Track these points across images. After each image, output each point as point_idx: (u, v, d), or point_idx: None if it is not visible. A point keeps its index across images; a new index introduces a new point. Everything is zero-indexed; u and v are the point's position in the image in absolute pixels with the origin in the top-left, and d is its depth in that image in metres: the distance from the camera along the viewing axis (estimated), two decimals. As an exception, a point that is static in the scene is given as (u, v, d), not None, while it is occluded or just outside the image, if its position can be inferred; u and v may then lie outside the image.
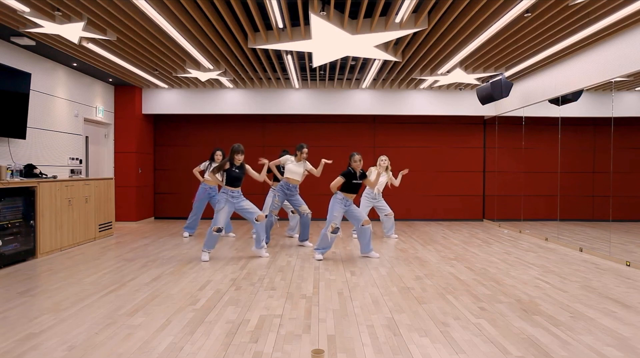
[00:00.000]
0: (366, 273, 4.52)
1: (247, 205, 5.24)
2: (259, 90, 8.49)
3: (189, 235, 6.88)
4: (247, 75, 7.54)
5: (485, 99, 7.06)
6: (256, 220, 5.18)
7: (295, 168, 5.92)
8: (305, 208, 5.99)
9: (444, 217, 9.08)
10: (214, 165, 6.21)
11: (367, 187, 6.31)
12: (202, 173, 6.66)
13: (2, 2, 4.04)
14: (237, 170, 5.12)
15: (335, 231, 5.14)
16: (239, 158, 5.11)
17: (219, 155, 6.42)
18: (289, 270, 4.63)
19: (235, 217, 7.26)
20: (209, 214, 8.89)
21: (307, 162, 6.02)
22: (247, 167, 5.26)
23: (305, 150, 5.92)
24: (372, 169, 6.37)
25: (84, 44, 5.25)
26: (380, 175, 5.80)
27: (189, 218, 6.87)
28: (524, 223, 7.91)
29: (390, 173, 6.54)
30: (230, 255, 5.42)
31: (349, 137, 8.97)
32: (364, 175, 5.23)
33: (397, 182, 6.62)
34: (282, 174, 6.10)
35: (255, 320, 3.11)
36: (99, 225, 6.52)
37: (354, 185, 5.15)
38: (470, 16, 4.59)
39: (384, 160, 6.42)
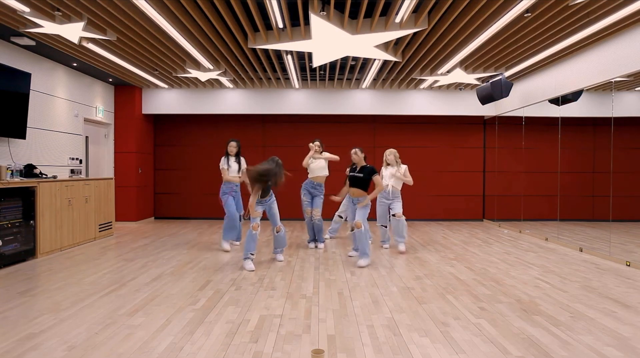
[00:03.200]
0: (366, 273, 4.52)
1: (275, 211, 4.99)
2: (259, 90, 8.49)
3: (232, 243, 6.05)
4: (247, 75, 7.54)
5: (485, 99, 7.06)
6: (276, 231, 5.04)
7: (315, 164, 5.85)
8: (316, 212, 5.79)
9: (444, 217, 9.08)
10: (231, 158, 5.65)
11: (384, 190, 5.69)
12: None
13: (2, 2, 4.04)
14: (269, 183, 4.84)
15: (354, 229, 4.99)
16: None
17: (232, 146, 5.68)
18: (289, 270, 4.63)
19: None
20: (215, 214, 8.91)
21: (324, 153, 5.94)
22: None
23: (316, 143, 5.92)
24: (382, 169, 5.75)
25: (84, 44, 5.25)
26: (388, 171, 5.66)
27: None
28: (524, 223, 7.91)
29: (402, 168, 5.64)
30: (230, 255, 5.42)
31: (349, 137, 8.96)
32: (363, 170, 5.01)
33: (408, 180, 5.65)
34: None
35: (255, 320, 3.11)
36: (99, 225, 6.52)
37: (350, 177, 5.12)
38: (470, 16, 4.59)
39: (388, 155, 5.69)
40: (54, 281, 4.14)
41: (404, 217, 5.56)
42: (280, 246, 5.17)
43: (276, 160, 4.73)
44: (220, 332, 2.86)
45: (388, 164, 5.76)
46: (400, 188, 5.70)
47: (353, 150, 5.18)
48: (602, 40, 5.26)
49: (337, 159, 5.93)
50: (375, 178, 4.96)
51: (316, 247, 5.97)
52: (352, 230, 5.14)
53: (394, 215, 5.59)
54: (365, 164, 5.12)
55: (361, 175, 5.01)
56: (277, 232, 5.07)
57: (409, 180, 5.65)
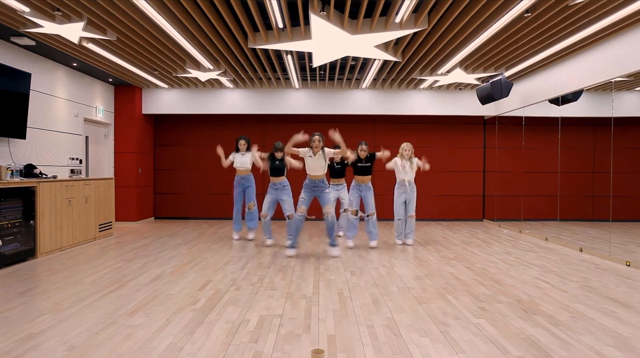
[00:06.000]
0: (366, 273, 4.52)
1: (288, 200, 5.81)
2: (259, 90, 8.49)
3: (238, 233, 6.57)
4: (247, 75, 7.54)
5: (485, 99, 7.06)
6: (287, 218, 5.77)
7: (312, 162, 5.33)
8: (328, 208, 5.38)
9: (444, 217, 9.08)
10: (240, 152, 6.35)
11: (397, 180, 6.09)
12: (232, 164, 6.42)
13: (2, 2, 4.05)
14: (277, 162, 5.83)
15: (355, 214, 6.00)
16: (278, 155, 5.86)
17: (242, 144, 6.35)
18: (289, 270, 4.63)
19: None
20: (215, 214, 8.91)
21: (325, 149, 5.37)
22: (287, 158, 5.82)
23: (317, 137, 5.30)
24: (397, 159, 6.05)
25: (84, 44, 5.25)
26: (392, 161, 6.09)
27: (233, 215, 6.53)
28: (524, 223, 7.91)
29: (416, 160, 6.06)
30: (230, 255, 5.42)
31: (349, 137, 8.85)
32: (372, 157, 5.93)
33: (426, 166, 6.08)
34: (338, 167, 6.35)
35: (255, 320, 3.11)
36: (99, 225, 6.52)
37: (359, 167, 5.94)
38: (470, 16, 4.59)
39: (407, 150, 6.02)
40: (54, 281, 4.14)
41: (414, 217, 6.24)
42: (296, 232, 5.48)
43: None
44: (220, 332, 2.86)
45: (404, 158, 6.10)
46: (413, 178, 6.16)
47: (364, 147, 5.92)
48: (602, 40, 5.25)
49: (345, 152, 5.40)
50: (378, 155, 5.91)
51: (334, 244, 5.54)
52: (356, 216, 6.03)
53: (410, 215, 6.18)
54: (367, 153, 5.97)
55: (369, 164, 5.93)
56: (288, 219, 5.73)
57: (424, 166, 6.16)
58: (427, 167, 6.11)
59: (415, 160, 6.10)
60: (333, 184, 6.42)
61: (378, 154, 5.90)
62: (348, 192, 6.24)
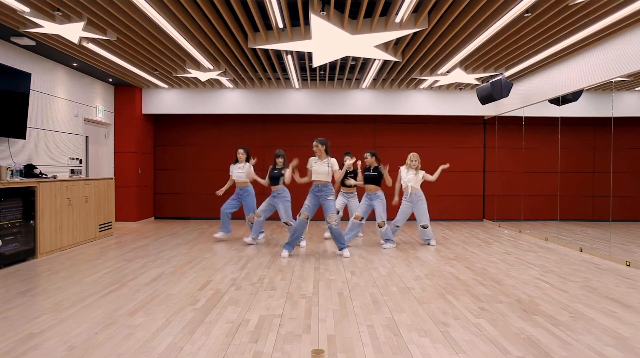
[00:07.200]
0: (366, 273, 4.52)
1: (282, 207, 5.90)
2: (259, 90, 8.49)
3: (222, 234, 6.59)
4: (247, 75, 7.54)
5: (485, 99, 7.06)
6: (286, 224, 5.93)
7: (316, 167, 5.37)
8: (331, 217, 5.32)
9: (444, 217, 9.08)
10: (238, 164, 6.35)
11: (402, 188, 6.12)
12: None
13: (2, 2, 4.05)
14: (275, 171, 5.97)
15: (359, 219, 6.03)
16: (279, 162, 5.98)
17: (241, 153, 6.35)
18: (289, 270, 4.63)
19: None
20: (216, 214, 8.91)
21: (331, 159, 5.41)
22: (287, 171, 5.67)
23: (315, 143, 5.38)
24: (402, 168, 6.16)
25: (84, 44, 5.25)
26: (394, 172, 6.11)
27: (221, 218, 6.54)
28: (524, 223, 7.91)
29: (422, 172, 6.12)
30: (230, 255, 5.42)
31: (349, 137, 8.96)
32: (376, 169, 5.95)
33: (434, 177, 6.14)
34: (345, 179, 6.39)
35: (255, 320, 3.11)
36: (99, 225, 6.52)
37: (366, 176, 5.99)
38: (470, 16, 4.59)
39: (414, 161, 6.07)
40: (54, 281, 4.14)
41: (429, 227, 6.21)
42: (294, 235, 5.41)
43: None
44: (220, 332, 2.87)
45: (410, 167, 6.14)
46: (419, 187, 6.13)
47: (366, 154, 6.01)
48: (602, 40, 5.26)
49: (337, 177, 5.46)
50: (385, 175, 5.90)
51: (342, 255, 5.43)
52: (360, 221, 6.04)
53: (422, 225, 6.16)
54: (377, 164, 5.98)
55: (376, 173, 5.94)
56: (286, 224, 5.89)
57: (432, 178, 6.21)
58: (434, 178, 6.19)
59: (422, 173, 6.12)
60: (343, 192, 6.55)
61: (384, 174, 5.91)
62: (359, 201, 6.25)
